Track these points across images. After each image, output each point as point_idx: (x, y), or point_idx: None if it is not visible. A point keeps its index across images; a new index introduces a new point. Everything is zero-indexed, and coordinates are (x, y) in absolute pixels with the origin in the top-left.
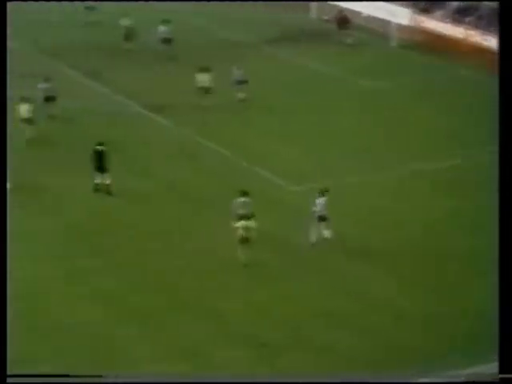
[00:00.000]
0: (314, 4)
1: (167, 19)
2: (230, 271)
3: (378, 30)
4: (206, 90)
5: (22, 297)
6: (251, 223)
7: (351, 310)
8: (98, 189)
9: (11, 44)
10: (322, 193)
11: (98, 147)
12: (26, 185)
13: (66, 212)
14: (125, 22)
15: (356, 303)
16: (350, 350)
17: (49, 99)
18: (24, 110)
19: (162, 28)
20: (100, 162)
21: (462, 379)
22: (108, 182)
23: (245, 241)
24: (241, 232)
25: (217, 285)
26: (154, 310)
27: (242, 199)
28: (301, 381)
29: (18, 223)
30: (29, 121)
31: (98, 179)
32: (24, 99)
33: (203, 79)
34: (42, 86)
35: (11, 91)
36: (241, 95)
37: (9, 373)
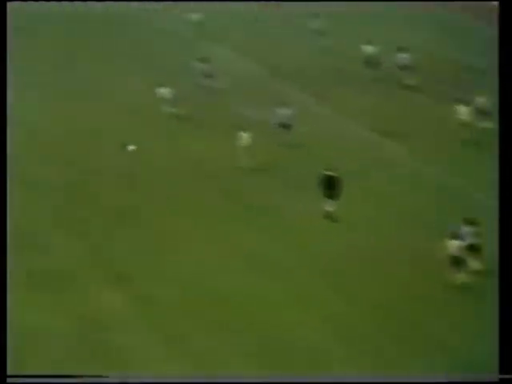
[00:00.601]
0: None
1: (405, 47)
2: (447, 293)
3: None
4: (466, 124)
5: (249, 312)
6: (461, 243)
7: None
8: (327, 215)
9: (240, 65)
10: None
11: (328, 173)
12: (255, 207)
13: (293, 235)
14: (367, 48)
15: None
16: None
17: (285, 126)
18: (245, 137)
19: (401, 55)
20: (329, 188)
21: (462, 379)
22: (334, 208)
23: (458, 262)
24: (451, 252)
25: (431, 307)
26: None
27: (467, 228)
28: (301, 381)
29: (244, 242)
30: (248, 149)
31: (327, 205)
32: (245, 127)
33: (462, 112)
34: (279, 111)
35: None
36: (484, 125)
37: (9, 373)
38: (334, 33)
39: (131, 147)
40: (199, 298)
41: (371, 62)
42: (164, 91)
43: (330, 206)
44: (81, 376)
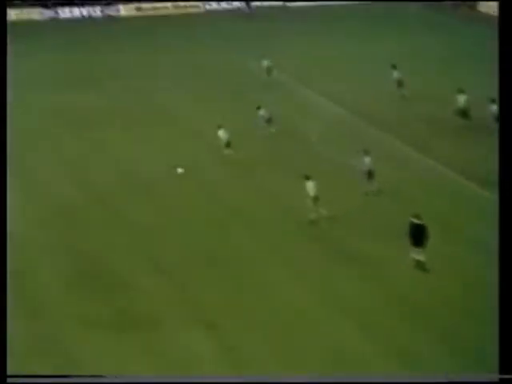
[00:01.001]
0: None
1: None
2: None
3: None
4: None
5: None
6: None
7: None
8: (417, 264)
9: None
10: None
11: (415, 220)
12: (343, 255)
13: (386, 282)
14: (461, 98)
15: None
16: None
17: (370, 174)
18: (311, 186)
19: (494, 107)
20: (416, 236)
21: (462, 379)
22: (422, 257)
23: None
24: None
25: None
26: None
27: None
28: (303, 381)
29: (335, 290)
30: (315, 198)
31: (415, 254)
32: (308, 177)
33: None
34: (366, 159)
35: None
36: None
37: (9, 373)
38: (414, 81)
39: (180, 170)
40: (288, 346)
41: (463, 111)
42: (222, 133)
43: (418, 255)
44: (80, 376)
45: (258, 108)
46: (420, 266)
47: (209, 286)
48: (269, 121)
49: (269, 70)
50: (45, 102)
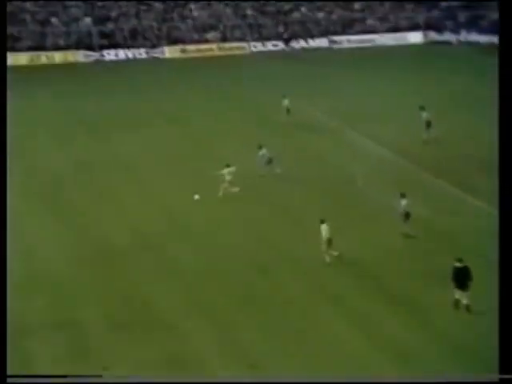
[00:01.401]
0: None
1: None
2: None
3: None
4: None
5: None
6: None
7: None
8: (457, 305)
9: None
10: None
11: (458, 264)
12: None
13: (432, 327)
14: None
15: None
16: None
17: (407, 215)
18: (325, 229)
19: None
20: (460, 279)
21: (462, 379)
22: (466, 301)
23: None
24: None
25: None
26: None
27: None
28: (306, 381)
29: (384, 332)
30: (329, 241)
31: (458, 295)
32: (323, 221)
33: None
34: (402, 202)
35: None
36: None
37: (9, 373)
38: (444, 122)
39: (196, 196)
40: None
41: None
42: (225, 172)
43: (460, 296)
44: (80, 376)
45: (260, 148)
46: (466, 307)
47: (253, 328)
48: (269, 161)
49: (288, 110)
50: (91, 145)
